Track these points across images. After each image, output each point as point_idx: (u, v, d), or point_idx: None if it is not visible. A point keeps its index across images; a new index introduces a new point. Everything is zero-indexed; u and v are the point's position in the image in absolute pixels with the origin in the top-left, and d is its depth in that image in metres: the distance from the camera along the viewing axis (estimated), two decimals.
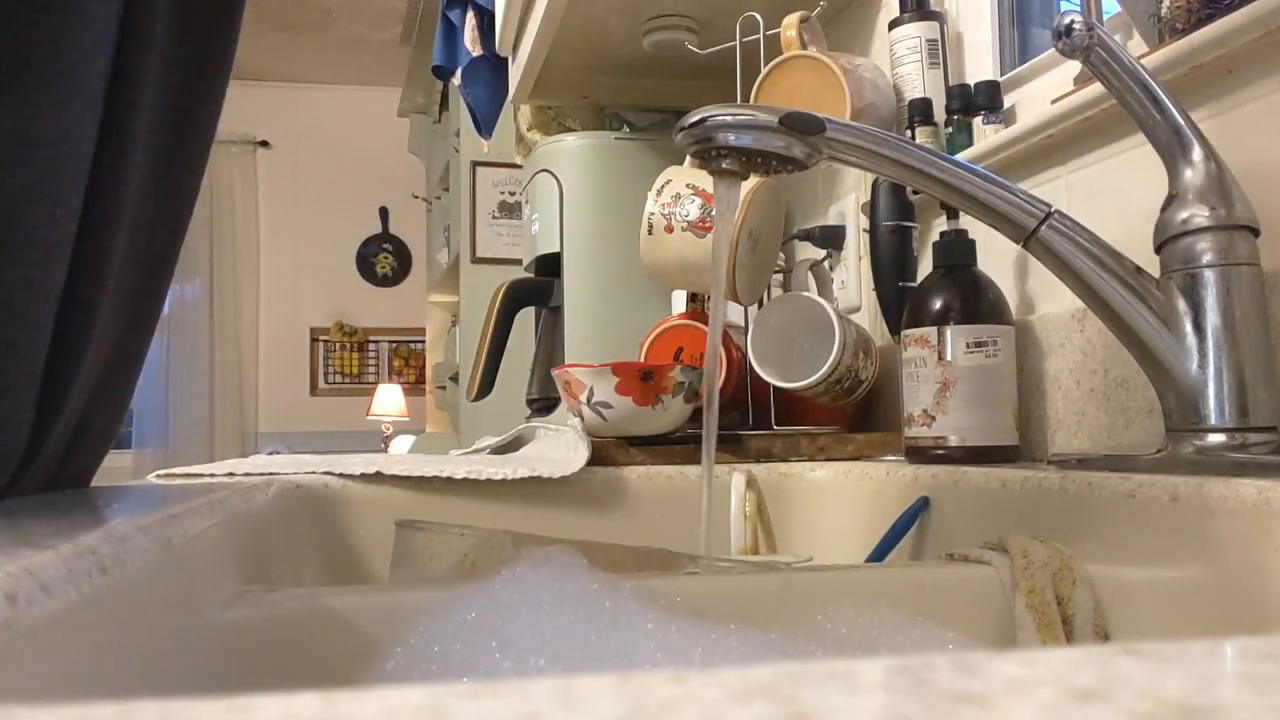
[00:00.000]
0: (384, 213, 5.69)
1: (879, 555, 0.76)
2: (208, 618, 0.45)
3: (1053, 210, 0.63)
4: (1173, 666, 0.18)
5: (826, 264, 1.18)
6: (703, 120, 0.64)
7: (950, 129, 0.97)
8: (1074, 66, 0.85)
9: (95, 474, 0.63)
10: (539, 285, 1.35)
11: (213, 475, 0.80)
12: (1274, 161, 0.66)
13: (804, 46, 1.04)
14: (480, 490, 0.87)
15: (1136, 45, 0.78)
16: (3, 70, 0.48)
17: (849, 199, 1.18)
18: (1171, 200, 0.62)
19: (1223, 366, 0.59)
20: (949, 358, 0.80)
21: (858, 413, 1.10)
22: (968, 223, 0.84)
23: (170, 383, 5.37)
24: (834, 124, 0.64)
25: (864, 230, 1.05)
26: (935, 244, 0.85)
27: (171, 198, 0.60)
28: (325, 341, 5.73)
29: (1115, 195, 0.80)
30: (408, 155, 5.08)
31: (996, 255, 0.91)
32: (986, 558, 0.55)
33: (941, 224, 0.86)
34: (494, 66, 2.24)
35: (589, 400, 0.92)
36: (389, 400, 5.32)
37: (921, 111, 0.99)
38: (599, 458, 0.93)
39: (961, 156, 0.90)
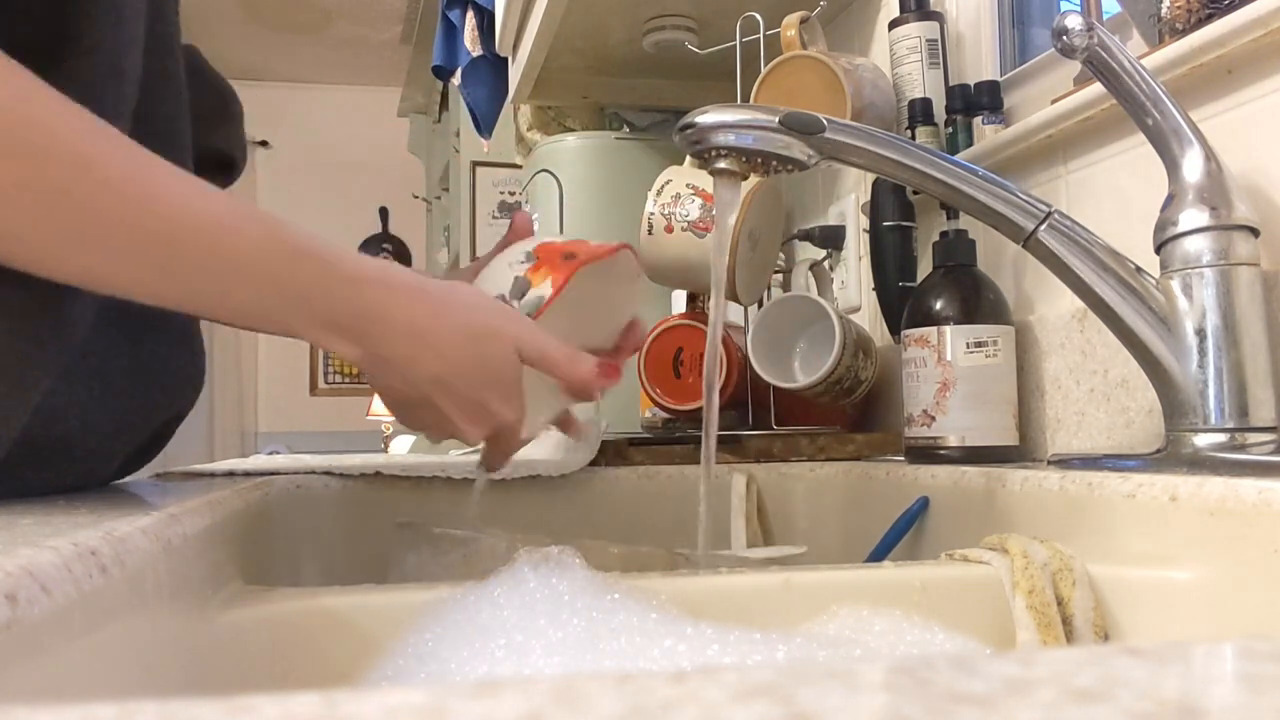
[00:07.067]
0: (384, 213, 5.68)
1: (879, 555, 0.76)
2: (208, 618, 0.45)
3: (1053, 210, 0.63)
4: (1173, 666, 0.18)
5: (826, 264, 1.18)
6: (702, 120, 0.64)
7: (950, 129, 0.97)
8: (1074, 66, 0.85)
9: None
10: None
11: (213, 475, 0.80)
12: (1274, 161, 0.66)
13: (804, 46, 1.04)
14: (480, 490, 0.87)
15: (1136, 45, 0.78)
16: None
17: (849, 199, 1.18)
18: (1171, 200, 0.62)
19: (1223, 366, 0.59)
20: (949, 358, 0.80)
21: (857, 413, 1.10)
22: (968, 223, 0.84)
23: None
24: (834, 124, 0.64)
25: (864, 230, 1.05)
26: (935, 244, 0.85)
27: None
28: None
29: (1115, 195, 0.80)
30: (408, 155, 5.08)
31: (996, 255, 0.91)
32: (986, 558, 0.55)
33: (941, 224, 0.86)
34: (494, 66, 2.24)
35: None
36: None
37: (921, 111, 0.98)
38: (598, 458, 0.93)
39: (961, 156, 0.90)
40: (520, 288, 0.62)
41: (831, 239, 1.17)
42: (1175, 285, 0.61)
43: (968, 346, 0.80)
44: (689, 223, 0.98)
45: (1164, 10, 0.71)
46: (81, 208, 0.44)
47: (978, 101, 0.96)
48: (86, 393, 0.56)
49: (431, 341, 0.56)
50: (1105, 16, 0.84)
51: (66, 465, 0.57)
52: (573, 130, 1.60)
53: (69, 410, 0.55)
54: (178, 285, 0.48)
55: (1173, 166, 0.62)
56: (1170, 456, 0.60)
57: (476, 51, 2.31)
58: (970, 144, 0.95)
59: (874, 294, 1.03)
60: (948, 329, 0.81)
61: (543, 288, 0.61)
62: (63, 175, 0.44)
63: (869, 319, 1.12)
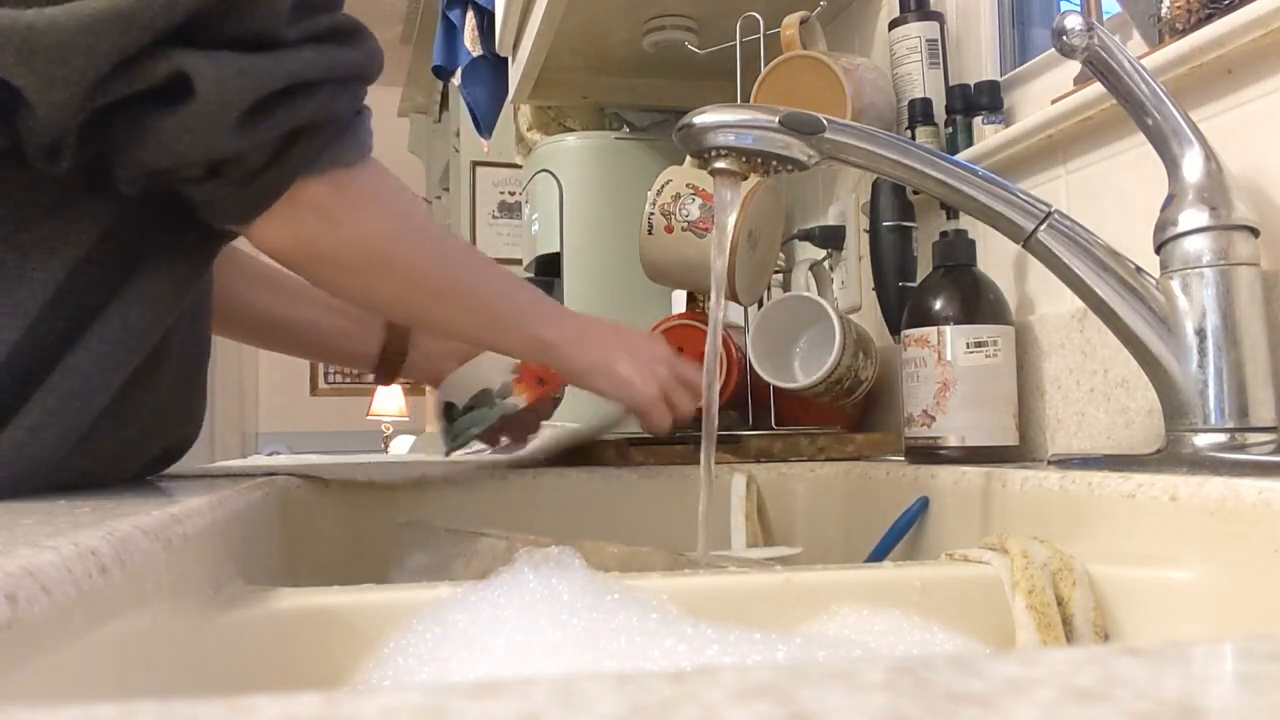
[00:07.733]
0: None
1: (879, 555, 0.76)
2: (208, 618, 0.45)
3: (1053, 210, 0.63)
4: (1173, 666, 0.18)
5: (826, 264, 1.18)
6: (702, 120, 0.64)
7: (950, 129, 0.97)
8: (1074, 66, 0.85)
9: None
10: (539, 285, 1.35)
11: (213, 475, 0.80)
12: (1274, 161, 0.66)
13: (804, 46, 1.04)
14: (480, 490, 0.87)
15: (1136, 45, 0.78)
16: None
17: (849, 199, 1.18)
18: (1171, 200, 0.62)
19: (1223, 366, 0.59)
20: (949, 358, 0.80)
21: (857, 413, 1.10)
22: (968, 223, 0.84)
23: None
24: (834, 124, 0.64)
25: (864, 230, 1.05)
26: (935, 244, 0.85)
27: None
28: None
29: (1115, 195, 0.80)
30: (408, 155, 5.08)
31: (996, 255, 0.91)
32: (986, 558, 0.55)
33: (941, 224, 0.86)
34: (494, 66, 2.24)
35: None
36: (389, 400, 5.32)
37: (921, 111, 0.98)
38: (599, 458, 0.93)
39: (961, 156, 0.90)
40: (505, 390, 0.90)
41: (831, 239, 1.17)
42: (1175, 285, 0.61)
43: (968, 346, 0.80)
44: (689, 223, 0.98)
45: (1164, 10, 0.71)
46: (472, 292, 0.76)
47: (978, 101, 0.96)
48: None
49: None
50: (1105, 16, 0.84)
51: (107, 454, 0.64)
52: (573, 130, 1.60)
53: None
54: (495, 334, 0.79)
55: (1173, 166, 0.62)
56: (1170, 456, 0.60)
57: (476, 51, 2.31)
58: (970, 144, 0.95)
59: (874, 294, 1.03)
60: (948, 329, 0.81)
61: (519, 399, 0.89)
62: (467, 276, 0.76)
63: (869, 319, 1.12)
